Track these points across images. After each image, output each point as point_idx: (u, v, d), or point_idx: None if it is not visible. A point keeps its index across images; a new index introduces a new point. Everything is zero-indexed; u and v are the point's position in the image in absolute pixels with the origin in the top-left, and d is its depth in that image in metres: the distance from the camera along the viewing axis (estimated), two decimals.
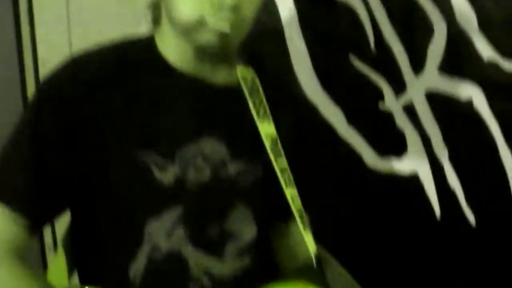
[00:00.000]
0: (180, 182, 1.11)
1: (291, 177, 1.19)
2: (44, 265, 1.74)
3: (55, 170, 1.08)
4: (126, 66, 1.14)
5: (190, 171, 1.12)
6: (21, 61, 1.80)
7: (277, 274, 1.25)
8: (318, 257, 1.15)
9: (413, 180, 1.83)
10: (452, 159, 1.84)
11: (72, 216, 1.18)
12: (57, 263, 1.18)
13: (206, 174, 1.13)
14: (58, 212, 1.13)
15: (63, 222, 1.19)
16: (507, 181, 1.86)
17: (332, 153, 1.77)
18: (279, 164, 1.17)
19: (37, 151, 1.08)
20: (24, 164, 1.08)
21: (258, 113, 1.18)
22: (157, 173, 1.09)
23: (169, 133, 1.12)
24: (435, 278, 1.91)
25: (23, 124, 1.11)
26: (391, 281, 1.85)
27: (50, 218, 1.15)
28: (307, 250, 1.17)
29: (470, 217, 1.85)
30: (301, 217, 1.17)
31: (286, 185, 1.18)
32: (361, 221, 1.81)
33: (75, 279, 1.17)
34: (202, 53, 1.13)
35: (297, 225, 1.19)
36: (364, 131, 1.79)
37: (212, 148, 1.14)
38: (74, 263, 1.17)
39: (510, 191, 1.86)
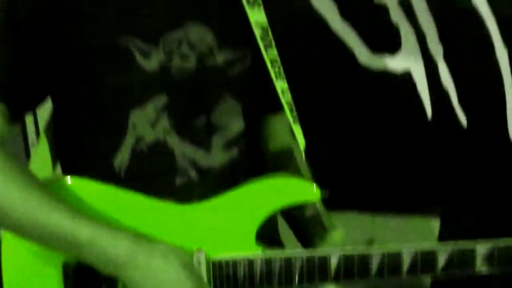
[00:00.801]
0: (164, 69, 1.07)
1: (282, 69, 1.15)
2: (27, 155, 1.72)
3: (33, 55, 1.03)
4: None
5: (175, 58, 1.07)
6: None
7: (264, 167, 1.23)
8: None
9: (406, 79, 1.80)
10: (447, 57, 1.80)
11: (54, 105, 1.14)
12: (40, 153, 1.16)
13: (191, 61, 1.09)
14: (38, 100, 1.09)
15: (45, 111, 1.16)
16: (501, 81, 1.83)
17: (324, 48, 1.72)
18: (269, 55, 1.13)
19: (12, 36, 1.02)
20: (0, 51, 1.03)
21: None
22: (140, 60, 1.05)
23: (153, 18, 1.07)
24: (425, 178, 1.93)
25: None
26: (379, 178, 1.86)
27: (30, 106, 1.11)
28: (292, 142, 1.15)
29: (462, 117, 1.83)
30: (291, 110, 1.14)
31: (276, 77, 1.14)
32: (352, 118, 1.80)
33: (59, 169, 1.15)
34: None
35: (285, 117, 1.17)
36: (357, 26, 1.73)
37: (198, 35, 1.09)
38: (57, 154, 1.15)
39: (504, 91, 1.83)
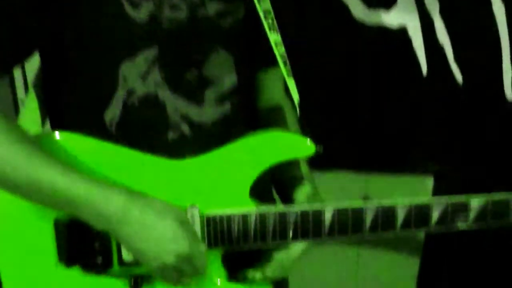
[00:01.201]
0: (154, 20, 1.04)
1: (275, 22, 1.12)
2: (16, 111, 1.69)
3: (20, 4, 1.00)
4: None
5: (165, 8, 1.04)
6: None
7: (257, 123, 1.21)
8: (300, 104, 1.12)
9: (401, 34, 1.77)
10: (443, 13, 1.76)
11: (42, 59, 1.12)
12: (29, 109, 1.14)
13: (182, 12, 1.06)
14: (25, 53, 1.06)
15: (33, 64, 1.13)
16: (498, 38, 1.80)
17: (318, 2, 1.68)
18: (263, 5, 1.10)
19: None
20: None
21: None
22: (129, 10, 1.02)
23: None
24: (419, 136, 1.92)
25: None
26: (372, 136, 1.85)
27: (17, 59, 1.08)
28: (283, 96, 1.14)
29: (457, 74, 1.81)
30: (284, 63, 1.12)
31: (270, 30, 1.11)
32: (346, 73, 1.77)
33: (48, 125, 1.13)
34: None
35: (278, 74, 1.15)
36: None
37: None
38: (46, 109, 1.13)
39: (500, 48, 1.81)
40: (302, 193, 1.17)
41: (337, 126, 1.88)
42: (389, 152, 1.98)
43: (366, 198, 1.11)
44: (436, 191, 1.98)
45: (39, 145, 0.99)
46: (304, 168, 1.22)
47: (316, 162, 1.27)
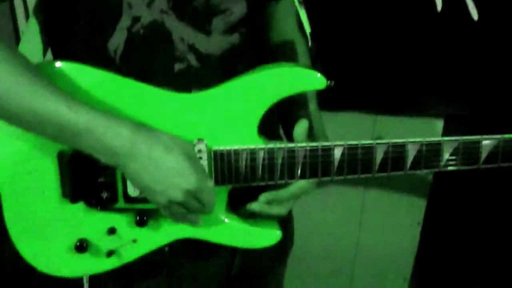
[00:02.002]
0: None
1: None
2: (17, 40, 1.64)
3: None
4: None
5: None
6: None
7: (266, 56, 1.18)
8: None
9: None
10: None
11: None
12: (29, 37, 1.09)
13: None
14: None
15: None
16: None
17: None
18: None
19: None
20: None
21: None
22: None
23: None
24: (430, 75, 1.88)
25: None
26: (382, 76, 1.81)
27: None
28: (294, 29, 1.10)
29: (473, 11, 1.75)
30: None
31: None
32: (358, 9, 1.71)
33: (50, 55, 1.10)
34: None
35: (289, 6, 1.12)
36: None
37: None
38: (48, 38, 1.08)
39: None
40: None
41: (347, 65, 1.84)
42: (399, 94, 1.94)
43: (378, 139, 1.08)
44: (446, 134, 1.95)
45: (42, 73, 0.95)
46: (312, 108, 1.19)
47: (325, 103, 1.25)
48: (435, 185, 2.13)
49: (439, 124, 2.00)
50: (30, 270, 1.09)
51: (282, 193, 1.11)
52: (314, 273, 2.26)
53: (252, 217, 1.13)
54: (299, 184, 1.10)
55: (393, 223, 2.21)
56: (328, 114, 1.28)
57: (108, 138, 0.94)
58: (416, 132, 1.98)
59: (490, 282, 2.29)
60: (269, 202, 1.11)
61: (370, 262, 2.26)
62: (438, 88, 1.91)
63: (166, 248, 1.11)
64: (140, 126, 0.97)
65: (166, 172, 0.96)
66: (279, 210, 1.13)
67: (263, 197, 1.10)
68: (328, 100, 1.26)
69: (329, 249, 2.24)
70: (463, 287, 2.32)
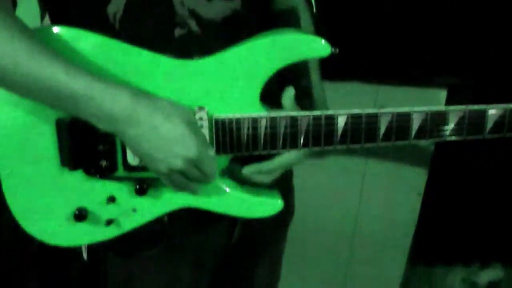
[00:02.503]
0: None
1: None
2: (14, 4, 1.59)
3: None
4: None
5: None
6: None
7: (268, 23, 1.15)
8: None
9: None
10: None
11: None
12: (27, 1, 1.07)
13: None
14: None
15: None
16: None
17: None
18: None
19: None
20: None
21: None
22: None
23: None
24: (432, 46, 1.85)
25: None
26: (385, 46, 1.78)
27: None
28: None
29: None
30: None
31: None
32: None
33: (47, 20, 1.07)
34: None
35: None
36: None
37: None
38: (45, 2, 1.06)
39: None
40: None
41: (349, 34, 1.80)
42: (402, 63, 1.91)
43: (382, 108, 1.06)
44: (450, 105, 1.92)
45: (39, 39, 0.93)
46: (315, 78, 1.17)
47: (327, 73, 1.23)
48: (436, 156, 2.11)
49: (443, 94, 1.98)
50: (28, 238, 1.08)
51: (266, 165, 1.09)
52: (313, 243, 2.26)
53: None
54: (285, 156, 1.09)
55: (393, 194, 2.20)
56: (330, 84, 1.26)
57: (106, 104, 0.92)
58: (419, 103, 1.95)
59: (490, 253, 2.29)
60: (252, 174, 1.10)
61: (370, 233, 2.25)
62: (442, 57, 1.88)
63: (166, 217, 1.10)
64: (140, 92, 0.95)
65: (166, 140, 0.94)
66: (262, 178, 1.11)
67: (246, 170, 1.09)
68: (331, 69, 1.24)
69: (329, 220, 2.24)
70: (462, 259, 2.33)
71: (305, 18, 1.18)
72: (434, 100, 1.97)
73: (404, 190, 2.18)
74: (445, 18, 1.80)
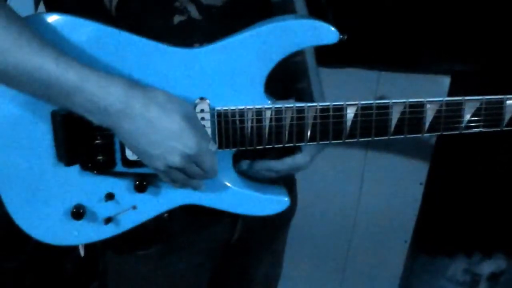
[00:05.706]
0: None
1: None
2: None
3: None
4: None
5: None
6: None
7: (270, 9, 1.09)
8: None
9: None
10: None
11: None
12: None
13: None
14: None
15: None
16: None
17: None
18: None
19: None
20: None
21: None
22: None
23: None
24: (435, 33, 1.81)
25: None
26: (386, 32, 1.74)
27: None
28: None
29: None
30: None
31: None
32: None
33: (41, 7, 1.01)
34: None
35: None
36: None
37: None
38: None
39: None
40: None
41: (350, 20, 1.75)
42: (404, 49, 1.86)
43: (381, 98, 1.01)
44: (453, 92, 1.88)
45: (30, 27, 0.87)
46: (311, 63, 1.12)
47: (327, 59, 1.17)
48: (438, 145, 2.07)
49: (446, 81, 1.93)
50: (24, 237, 1.03)
51: (275, 165, 1.06)
52: (314, 234, 2.23)
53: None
54: (297, 157, 1.07)
55: (395, 184, 2.16)
56: (330, 71, 1.22)
57: (98, 96, 0.86)
58: (422, 90, 1.92)
59: (492, 244, 2.27)
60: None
61: (371, 223, 2.23)
62: (445, 43, 1.83)
63: (166, 215, 1.05)
64: (134, 84, 0.90)
65: (162, 135, 0.89)
66: (270, 174, 1.08)
67: (256, 166, 1.07)
68: (329, 55, 1.19)
69: (330, 210, 2.21)
70: (463, 249, 2.31)
71: (300, 5, 1.13)
72: (438, 87, 1.93)
73: (406, 179, 2.15)
74: (448, 4, 1.76)
